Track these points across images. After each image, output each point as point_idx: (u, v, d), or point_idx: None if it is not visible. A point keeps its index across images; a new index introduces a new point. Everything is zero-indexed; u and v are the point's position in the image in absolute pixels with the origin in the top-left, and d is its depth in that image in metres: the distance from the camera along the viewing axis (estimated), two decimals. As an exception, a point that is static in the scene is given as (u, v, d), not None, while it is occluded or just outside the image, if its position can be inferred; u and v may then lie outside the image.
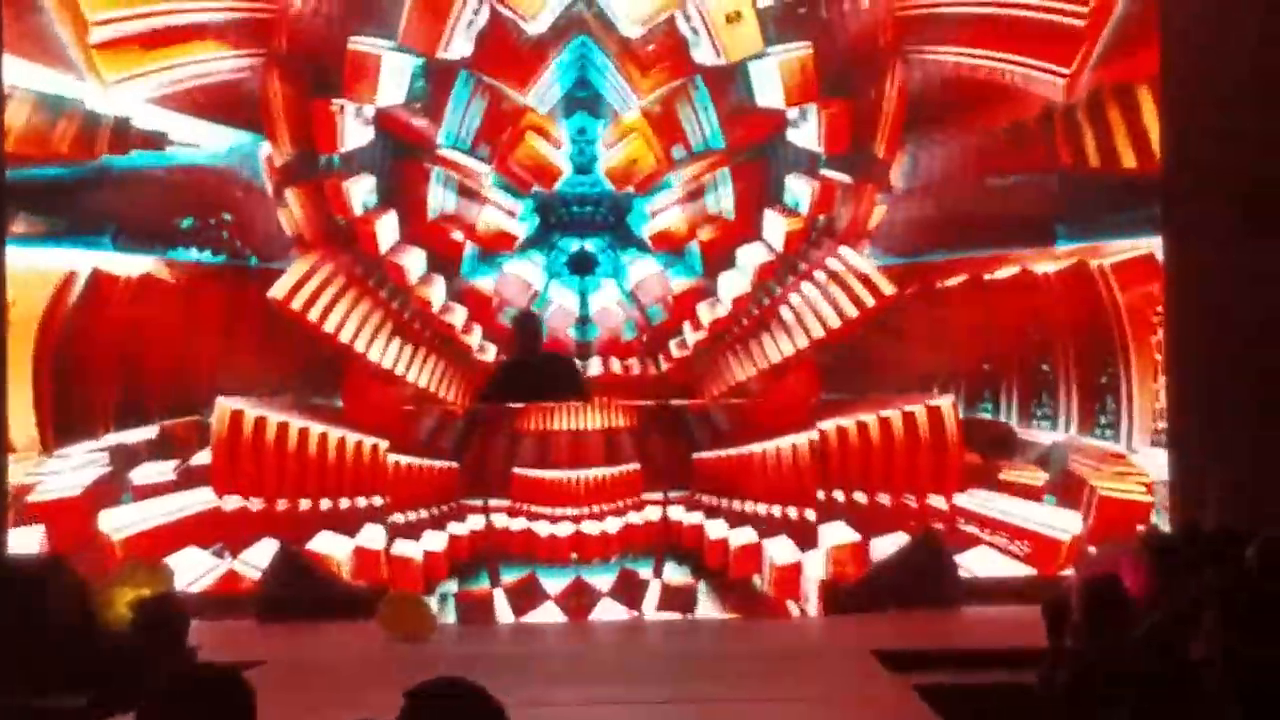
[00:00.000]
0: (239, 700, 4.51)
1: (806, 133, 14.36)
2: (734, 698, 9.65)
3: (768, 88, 14.35)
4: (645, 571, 13.46)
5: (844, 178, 14.30)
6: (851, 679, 10.24)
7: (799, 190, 14.36)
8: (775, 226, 14.34)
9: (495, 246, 14.37)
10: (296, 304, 14.11)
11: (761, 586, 13.40)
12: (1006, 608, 12.61)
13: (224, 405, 13.78)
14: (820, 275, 14.28)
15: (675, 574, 13.48)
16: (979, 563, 13.69)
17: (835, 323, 14.21)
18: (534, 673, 10.41)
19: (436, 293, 14.35)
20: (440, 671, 4.64)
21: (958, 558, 13.56)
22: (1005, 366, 14.07)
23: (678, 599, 13.34)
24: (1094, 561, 12.60)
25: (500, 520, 13.45)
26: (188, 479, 13.84)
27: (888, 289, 14.18)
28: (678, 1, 14.40)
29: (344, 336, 14.17)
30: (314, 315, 14.13)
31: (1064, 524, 13.75)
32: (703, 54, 14.40)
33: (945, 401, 13.78)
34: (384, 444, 13.59)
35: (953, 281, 14.08)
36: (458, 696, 4.53)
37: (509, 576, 13.42)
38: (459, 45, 14.34)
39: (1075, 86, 13.99)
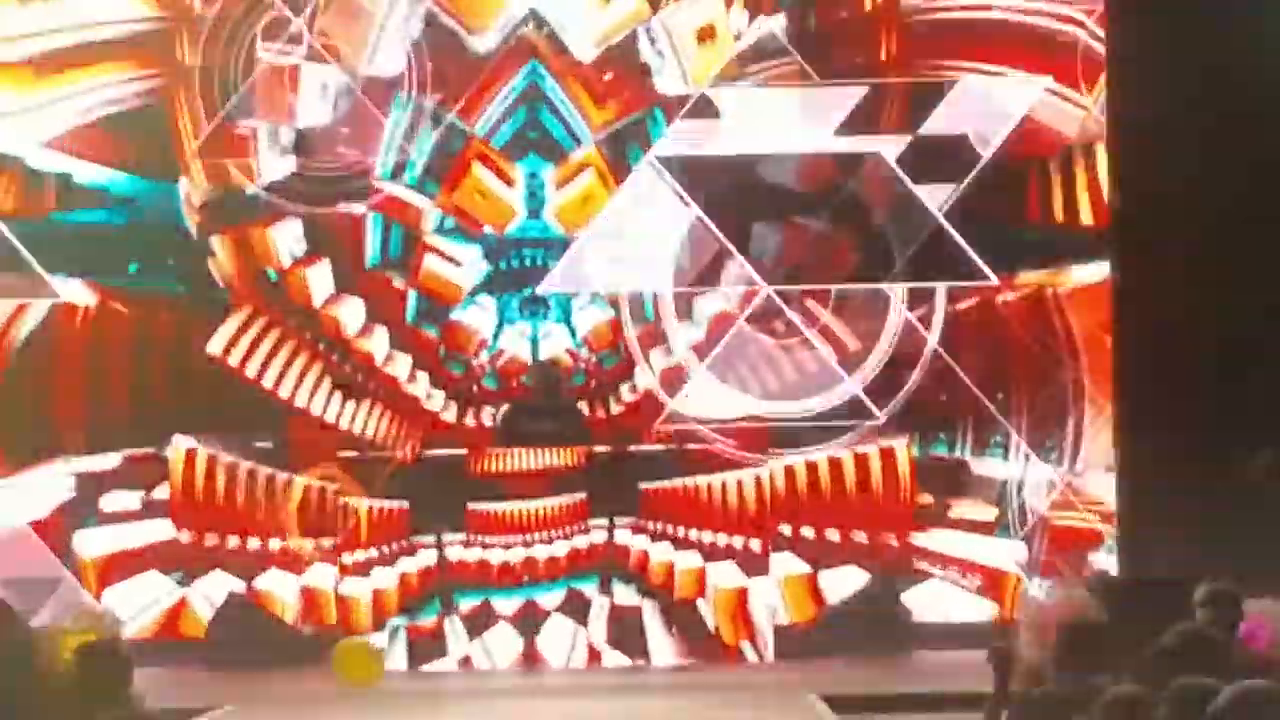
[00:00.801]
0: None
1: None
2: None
3: (739, 116, 13.41)
4: (592, 590, 13.51)
5: (820, 224, 13.49)
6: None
7: (765, 237, 13.54)
8: (735, 276, 13.54)
9: (442, 297, 13.56)
10: (233, 360, 13.43)
11: (707, 610, 13.42)
12: (955, 652, 12.57)
13: (179, 443, 13.53)
14: (779, 326, 13.55)
15: (622, 594, 13.52)
16: (931, 598, 13.61)
17: (792, 378, 13.57)
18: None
19: (378, 343, 13.52)
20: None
21: (910, 593, 13.51)
22: (962, 397, 13.59)
23: (624, 619, 13.40)
24: (1038, 605, 12.55)
25: (454, 553, 13.49)
26: (150, 510, 13.53)
27: (852, 344, 13.57)
28: (640, 18, 13.43)
29: (283, 392, 13.49)
30: (251, 371, 13.45)
31: (1014, 557, 13.58)
32: (666, 81, 13.49)
33: (899, 442, 13.61)
34: (332, 485, 13.54)
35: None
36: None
37: (463, 603, 13.48)
38: (388, 59, 13.30)
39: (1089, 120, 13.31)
